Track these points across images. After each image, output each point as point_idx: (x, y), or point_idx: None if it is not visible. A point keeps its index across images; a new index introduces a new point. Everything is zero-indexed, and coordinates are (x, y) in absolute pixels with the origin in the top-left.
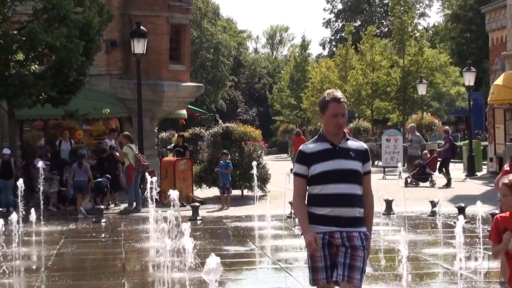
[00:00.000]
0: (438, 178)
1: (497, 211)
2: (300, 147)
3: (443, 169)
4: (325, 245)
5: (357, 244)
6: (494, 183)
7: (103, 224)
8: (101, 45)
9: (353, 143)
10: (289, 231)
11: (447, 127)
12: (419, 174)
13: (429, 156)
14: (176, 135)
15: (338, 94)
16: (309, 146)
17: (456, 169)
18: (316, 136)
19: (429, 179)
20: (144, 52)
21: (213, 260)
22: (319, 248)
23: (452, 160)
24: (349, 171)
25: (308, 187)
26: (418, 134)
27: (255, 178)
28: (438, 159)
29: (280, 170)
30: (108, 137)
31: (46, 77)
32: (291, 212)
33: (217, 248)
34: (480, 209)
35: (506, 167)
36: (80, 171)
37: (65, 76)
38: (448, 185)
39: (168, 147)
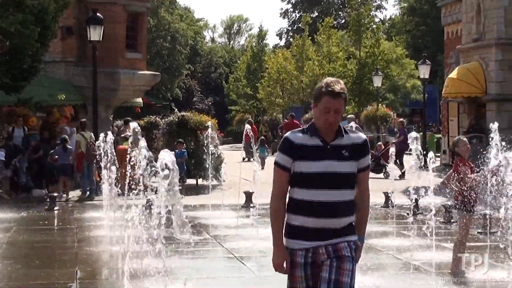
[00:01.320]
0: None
1: (449, 203)
2: (287, 134)
3: (397, 160)
4: (307, 264)
5: (345, 254)
6: (444, 179)
7: (56, 212)
8: (56, 32)
9: (348, 137)
10: (243, 220)
11: (402, 119)
12: (374, 166)
13: (383, 147)
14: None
15: (337, 87)
16: (298, 135)
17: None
18: (307, 126)
19: (383, 171)
20: (100, 40)
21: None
22: (287, 272)
23: (406, 152)
24: (340, 175)
25: (292, 188)
26: (356, 125)
27: (210, 167)
28: (392, 150)
29: (235, 159)
30: (68, 125)
31: (0, 63)
32: (245, 201)
33: (171, 237)
34: (432, 201)
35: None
36: (64, 154)
37: (19, 62)
38: (402, 176)
39: (123, 135)
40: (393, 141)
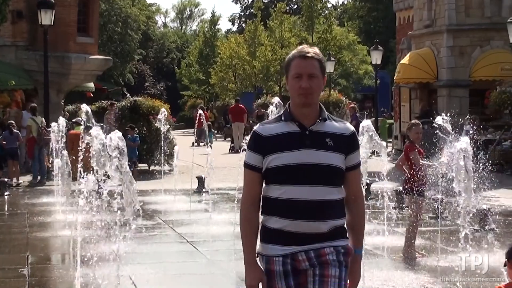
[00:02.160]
0: None
1: (400, 188)
2: (255, 127)
3: None
4: (288, 273)
5: (330, 259)
6: (395, 164)
7: (6, 197)
8: (7, 16)
9: (333, 125)
10: (195, 205)
11: (353, 105)
12: None
13: None
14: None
15: (307, 48)
16: (268, 126)
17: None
18: (281, 113)
19: None
20: (52, 24)
21: None
22: None
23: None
24: (322, 167)
25: (263, 186)
26: None
27: (163, 152)
28: None
29: (188, 144)
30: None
31: None
32: (198, 186)
33: (123, 221)
34: (384, 186)
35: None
36: (11, 138)
37: None
38: None
39: (74, 120)
40: None
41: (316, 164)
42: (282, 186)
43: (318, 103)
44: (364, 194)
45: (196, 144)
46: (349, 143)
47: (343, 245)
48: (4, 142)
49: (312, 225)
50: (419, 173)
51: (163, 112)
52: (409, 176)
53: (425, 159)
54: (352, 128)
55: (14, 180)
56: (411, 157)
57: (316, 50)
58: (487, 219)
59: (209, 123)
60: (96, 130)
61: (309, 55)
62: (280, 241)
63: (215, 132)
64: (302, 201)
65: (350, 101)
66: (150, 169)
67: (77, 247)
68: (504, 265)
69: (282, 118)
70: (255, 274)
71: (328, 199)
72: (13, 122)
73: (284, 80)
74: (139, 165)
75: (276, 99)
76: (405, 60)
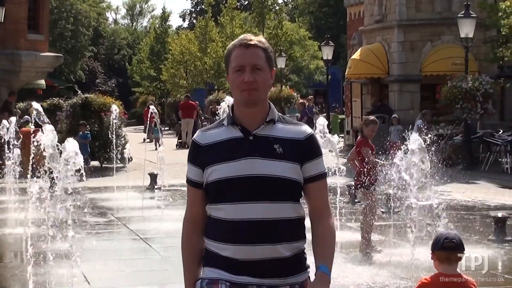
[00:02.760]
0: None
1: (352, 183)
2: (194, 135)
3: None
4: None
5: None
6: (346, 159)
7: None
8: None
9: (284, 128)
10: (148, 202)
11: (302, 100)
12: None
13: None
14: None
15: (250, 36)
16: (208, 133)
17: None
18: (225, 116)
19: None
20: (2, 21)
21: None
22: None
23: None
24: (269, 179)
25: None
26: None
27: (114, 149)
28: None
29: (139, 141)
30: None
31: None
32: (150, 183)
33: (76, 219)
34: (336, 181)
35: (359, 138)
36: None
37: None
38: None
39: (25, 117)
40: None
41: (261, 175)
42: (221, 204)
43: (266, 101)
44: (330, 209)
45: (148, 140)
46: (304, 150)
47: (301, 282)
48: None
49: (260, 250)
50: (370, 168)
51: (115, 109)
52: (359, 170)
53: (376, 155)
54: (308, 131)
55: None
56: (363, 152)
57: (261, 38)
58: (438, 214)
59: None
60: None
61: (251, 43)
62: (226, 268)
63: (166, 128)
64: (245, 221)
65: (307, 98)
66: (102, 166)
67: (30, 245)
68: (431, 258)
69: (224, 123)
70: None
71: (279, 218)
72: None
73: None
74: (91, 162)
75: (229, 98)
76: (356, 55)
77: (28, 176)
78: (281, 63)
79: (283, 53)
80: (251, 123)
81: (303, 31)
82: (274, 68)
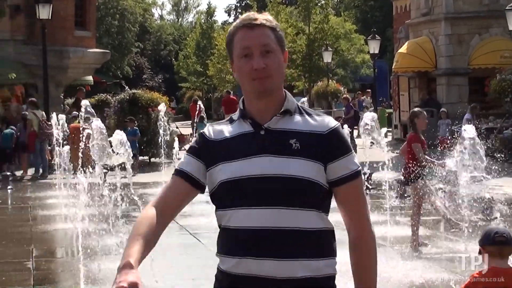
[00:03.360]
0: None
1: (402, 178)
2: (205, 128)
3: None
4: None
5: None
6: (399, 150)
7: (9, 191)
8: (5, 10)
9: (303, 121)
10: (197, 197)
11: (346, 95)
12: None
13: None
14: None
15: (254, 15)
16: (218, 127)
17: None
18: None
19: None
20: (49, 18)
21: None
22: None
23: (355, 127)
24: (281, 180)
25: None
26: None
27: (162, 144)
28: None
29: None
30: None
31: None
32: None
33: (125, 214)
34: (385, 175)
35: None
36: (25, 132)
37: None
38: (354, 151)
39: (74, 113)
40: (342, 117)
41: (272, 176)
42: (227, 210)
43: (282, 89)
44: (369, 216)
45: (195, 135)
46: (328, 146)
47: None
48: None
49: (268, 266)
50: (420, 164)
51: (163, 105)
52: (409, 165)
53: (427, 150)
54: (332, 123)
55: (22, 172)
56: (414, 149)
57: (267, 15)
58: (491, 208)
59: (202, 115)
60: (97, 122)
61: (257, 22)
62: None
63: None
64: (255, 230)
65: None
66: (150, 162)
67: (81, 239)
68: (479, 253)
69: (234, 117)
70: (122, 261)
71: (294, 227)
72: (27, 113)
73: None
74: (139, 157)
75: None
76: (403, 49)
77: (78, 171)
78: (327, 57)
79: (329, 47)
80: (263, 115)
81: (349, 24)
82: (287, 50)
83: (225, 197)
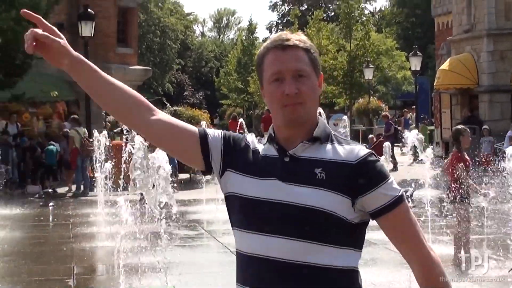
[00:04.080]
0: (385, 163)
1: (444, 195)
2: (249, 134)
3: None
4: None
5: None
6: (442, 167)
7: (51, 208)
8: None
9: (333, 149)
10: None
11: (385, 112)
12: None
13: (375, 140)
14: None
15: (287, 34)
16: (259, 141)
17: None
18: None
19: None
20: (92, 35)
21: None
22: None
23: (396, 144)
24: (297, 209)
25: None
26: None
27: None
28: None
29: None
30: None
31: None
32: None
33: (167, 232)
34: (427, 193)
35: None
36: (68, 149)
37: (12, 58)
38: (394, 169)
39: (115, 130)
40: (382, 134)
41: (289, 203)
42: (241, 231)
43: (315, 117)
44: (425, 240)
45: None
46: (358, 177)
47: None
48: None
49: None
50: (462, 182)
51: (205, 123)
52: (452, 185)
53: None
54: (363, 152)
55: (67, 188)
56: (458, 170)
57: (300, 35)
58: None
59: (241, 132)
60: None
61: (289, 43)
62: None
63: None
64: (265, 260)
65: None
66: (191, 179)
67: (121, 257)
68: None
69: (263, 140)
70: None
71: (307, 263)
72: (68, 131)
73: (323, 88)
74: (180, 174)
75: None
76: (445, 65)
77: (119, 188)
78: (368, 74)
79: (370, 64)
80: (290, 142)
81: (390, 41)
82: (322, 73)
83: (237, 214)
